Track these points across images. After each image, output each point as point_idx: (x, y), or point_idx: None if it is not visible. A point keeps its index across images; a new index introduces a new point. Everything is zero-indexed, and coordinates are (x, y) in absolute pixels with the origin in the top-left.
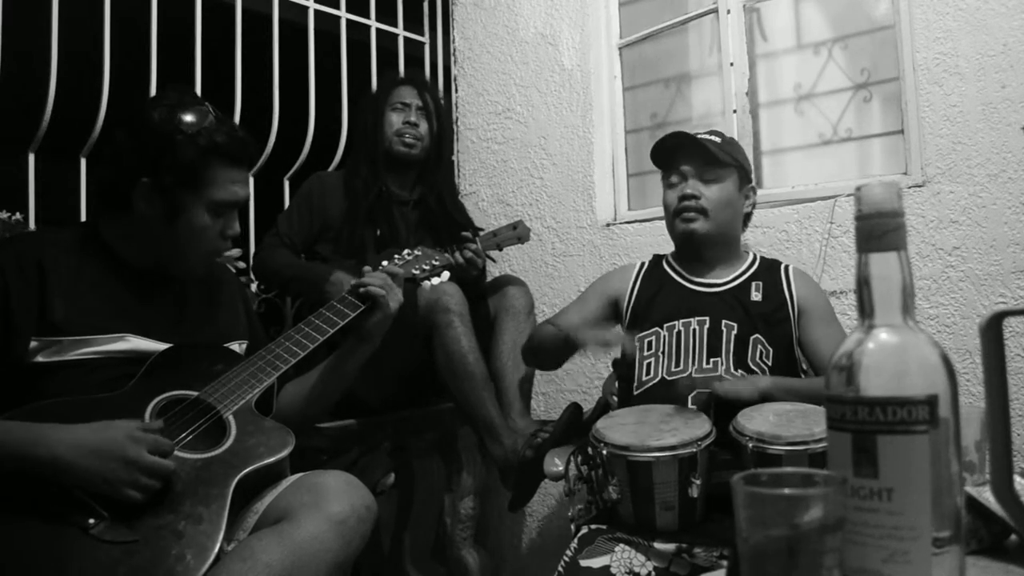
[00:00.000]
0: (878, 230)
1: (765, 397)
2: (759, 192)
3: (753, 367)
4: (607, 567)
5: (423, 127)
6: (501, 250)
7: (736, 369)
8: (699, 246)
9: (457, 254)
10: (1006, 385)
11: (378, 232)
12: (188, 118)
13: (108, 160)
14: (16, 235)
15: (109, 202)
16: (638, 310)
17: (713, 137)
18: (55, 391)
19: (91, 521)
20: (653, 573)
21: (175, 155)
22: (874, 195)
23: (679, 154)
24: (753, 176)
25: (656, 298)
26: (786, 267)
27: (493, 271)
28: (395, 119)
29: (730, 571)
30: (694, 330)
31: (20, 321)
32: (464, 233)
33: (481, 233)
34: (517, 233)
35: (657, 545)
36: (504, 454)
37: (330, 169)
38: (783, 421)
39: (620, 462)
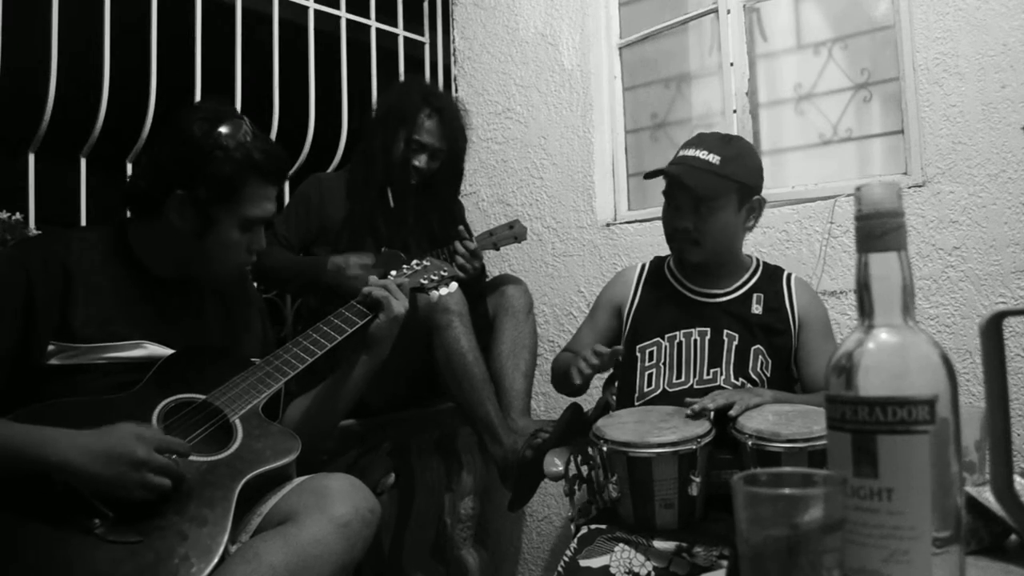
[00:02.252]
0: (878, 230)
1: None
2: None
3: (754, 376)
4: (606, 567)
5: (432, 166)
6: (498, 249)
7: (736, 378)
8: (695, 267)
9: (457, 256)
10: (1006, 385)
11: (379, 240)
12: (228, 133)
13: (144, 167)
14: (43, 237)
15: (140, 208)
16: (639, 318)
17: (711, 157)
18: (66, 393)
19: (96, 521)
20: (652, 573)
21: (213, 170)
22: (874, 195)
23: (672, 183)
24: (761, 185)
25: (657, 307)
26: (788, 276)
27: (492, 271)
28: (409, 157)
29: (730, 571)
30: (695, 340)
31: (41, 324)
32: (460, 228)
33: (476, 233)
34: (514, 232)
35: (657, 544)
36: (504, 454)
37: (329, 170)
38: (782, 420)
39: (620, 459)
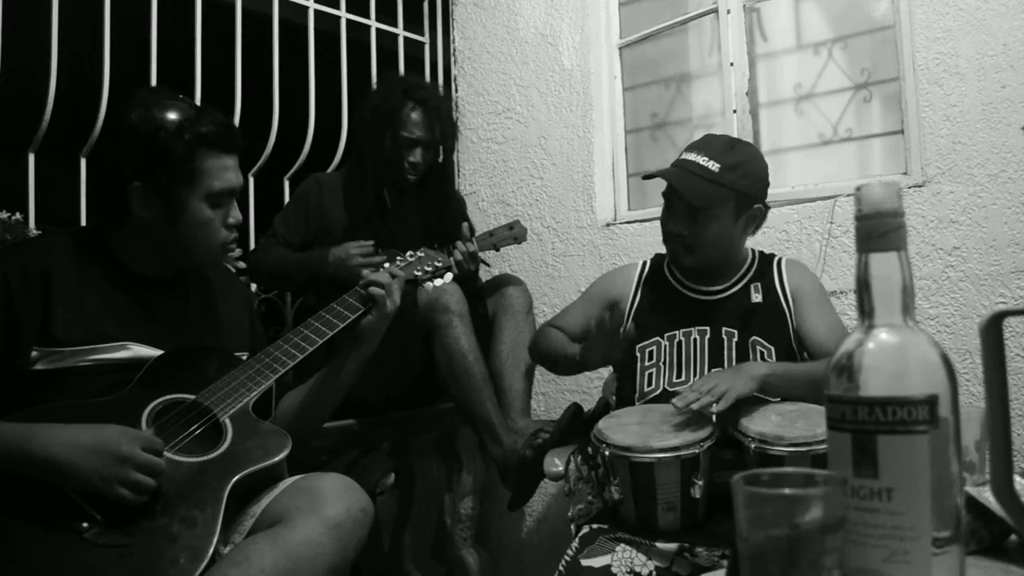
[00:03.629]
0: (878, 230)
1: (763, 387)
2: None
3: None
4: (608, 566)
5: (426, 158)
6: (498, 250)
7: None
8: (690, 269)
9: (456, 252)
10: (1006, 385)
11: (380, 243)
12: (168, 114)
13: (98, 170)
14: (21, 241)
15: (108, 211)
16: (640, 318)
17: (711, 164)
18: (54, 397)
19: (85, 525)
20: (654, 573)
21: (162, 153)
22: (874, 195)
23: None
24: (765, 193)
25: (657, 306)
26: (778, 261)
27: (492, 270)
28: (401, 153)
29: (730, 571)
30: (695, 340)
31: (23, 331)
32: (465, 225)
33: (477, 233)
34: (514, 233)
35: (659, 545)
36: (503, 454)
37: (330, 170)
38: (786, 422)
39: (622, 463)
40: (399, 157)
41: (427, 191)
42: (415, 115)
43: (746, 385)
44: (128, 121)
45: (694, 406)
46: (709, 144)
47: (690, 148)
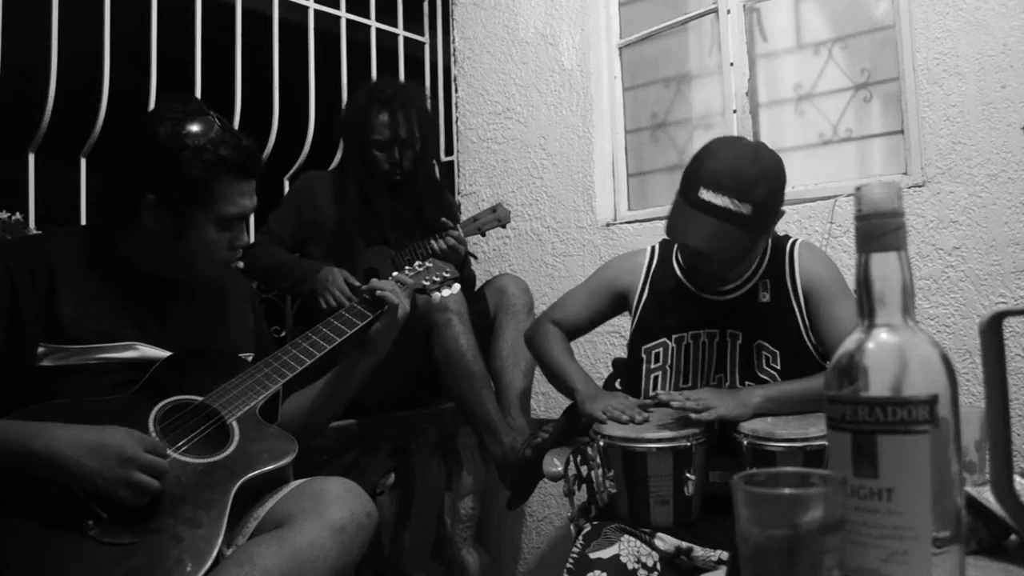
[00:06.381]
0: (878, 230)
1: (757, 414)
2: None
3: (763, 377)
4: (616, 556)
5: (407, 155)
6: (484, 235)
7: (742, 383)
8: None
9: (440, 241)
10: (1006, 385)
11: (366, 238)
12: (194, 131)
13: (112, 173)
14: (27, 237)
15: (115, 213)
16: (646, 315)
17: (743, 208)
18: (60, 394)
19: (89, 522)
20: (659, 564)
21: (181, 172)
22: (874, 195)
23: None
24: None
25: (665, 305)
26: (791, 247)
27: (492, 270)
28: (378, 156)
29: (730, 571)
30: (703, 343)
31: (28, 326)
32: (444, 220)
33: (461, 220)
34: (497, 215)
35: (657, 543)
36: (503, 452)
37: (330, 169)
38: (779, 422)
39: (616, 453)
40: (375, 160)
41: (413, 185)
42: (382, 117)
43: (735, 411)
44: (153, 135)
45: (674, 403)
46: (735, 172)
47: (710, 184)
